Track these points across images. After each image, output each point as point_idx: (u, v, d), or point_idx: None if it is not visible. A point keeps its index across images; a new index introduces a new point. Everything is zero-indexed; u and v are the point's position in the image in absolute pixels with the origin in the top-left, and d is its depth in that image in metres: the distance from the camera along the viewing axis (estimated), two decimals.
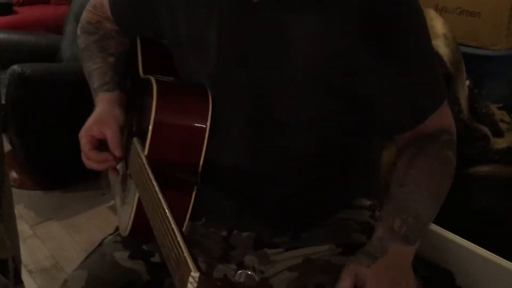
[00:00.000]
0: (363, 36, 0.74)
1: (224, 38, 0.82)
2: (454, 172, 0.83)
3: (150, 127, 0.81)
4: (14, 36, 2.34)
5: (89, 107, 0.96)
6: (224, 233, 0.92)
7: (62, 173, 2.22)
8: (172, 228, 0.63)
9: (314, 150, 0.85)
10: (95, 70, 0.97)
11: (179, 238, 0.60)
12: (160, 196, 0.69)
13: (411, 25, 0.77)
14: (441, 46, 1.61)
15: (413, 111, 0.81)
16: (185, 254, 0.57)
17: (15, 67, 1.91)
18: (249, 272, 0.87)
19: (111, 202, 1.97)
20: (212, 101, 0.83)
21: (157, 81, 0.84)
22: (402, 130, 0.84)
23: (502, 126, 1.77)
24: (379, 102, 0.80)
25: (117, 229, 0.97)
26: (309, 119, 0.82)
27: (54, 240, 1.98)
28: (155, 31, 0.95)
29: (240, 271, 0.87)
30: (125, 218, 0.88)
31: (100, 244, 0.95)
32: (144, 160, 0.79)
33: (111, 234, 0.97)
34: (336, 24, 0.75)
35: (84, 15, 1.05)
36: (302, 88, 0.79)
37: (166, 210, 0.66)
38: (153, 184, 0.72)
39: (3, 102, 1.95)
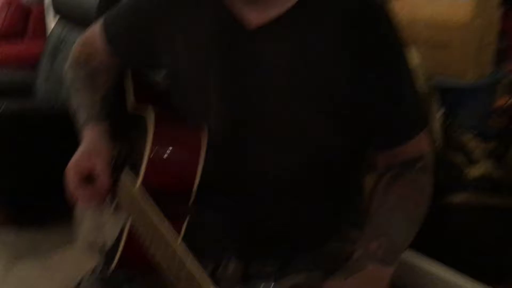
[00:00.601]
0: (358, 57, 0.79)
1: (225, 70, 0.85)
2: (430, 198, 0.85)
3: (146, 156, 0.81)
4: None
5: (62, 144, 0.95)
6: (211, 266, 0.91)
7: (36, 209, 2.17)
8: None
9: (302, 183, 0.87)
10: (83, 105, 0.98)
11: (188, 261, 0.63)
12: (164, 222, 0.71)
13: (406, 61, 0.84)
14: None
15: (402, 127, 0.85)
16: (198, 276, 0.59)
17: None
18: None
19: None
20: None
21: (155, 111, 0.85)
22: (389, 145, 0.86)
23: (477, 154, 1.80)
24: (370, 114, 0.83)
25: (95, 268, 0.95)
26: (300, 145, 0.84)
27: (28, 279, 1.92)
28: (151, 61, 0.96)
29: None
30: (111, 252, 0.87)
31: (78, 284, 0.94)
32: (140, 189, 0.79)
33: (89, 273, 0.95)
34: (332, 47, 0.80)
35: (74, 51, 1.06)
36: (303, 108, 0.82)
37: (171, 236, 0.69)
38: (152, 212, 0.74)
39: None
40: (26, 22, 3.05)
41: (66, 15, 2.32)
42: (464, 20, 2.03)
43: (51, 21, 2.71)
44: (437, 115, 1.77)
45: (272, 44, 0.82)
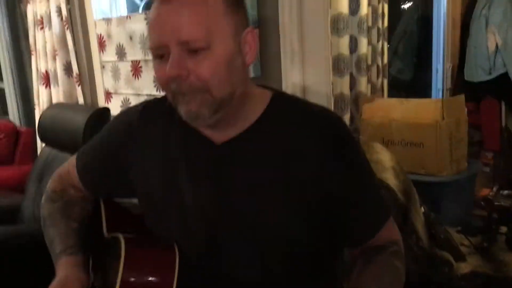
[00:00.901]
0: (329, 165, 0.87)
1: (198, 186, 0.89)
2: (404, 281, 0.89)
3: (117, 286, 0.81)
4: None
5: (48, 270, 0.95)
6: None
7: None
8: None
9: (277, 278, 0.90)
10: (58, 235, 0.99)
11: None
12: None
13: (362, 157, 0.94)
14: (391, 178, 1.69)
15: (369, 225, 0.92)
16: None
17: None
18: None
19: None
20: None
21: (125, 239, 0.87)
22: (359, 242, 0.93)
23: (463, 250, 1.80)
24: (345, 216, 0.90)
25: None
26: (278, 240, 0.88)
27: None
28: (125, 192, 1.01)
29: None
30: None
31: None
32: None
33: None
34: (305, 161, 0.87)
35: (50, 184, 1.10)
36: (285, 212, 0.87)
37: None
38: None
39: None
40: (16, 147, 3.13)
41: (52, 142, 2.40)
42: (433, 120, 2.14)
43: (41, 146, 2.80)
44: (420, 213, 1.79)
45: (238, 156, 0.89)
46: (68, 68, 2.69)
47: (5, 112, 3.77)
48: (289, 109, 0.91)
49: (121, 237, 0.88)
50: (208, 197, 0.89)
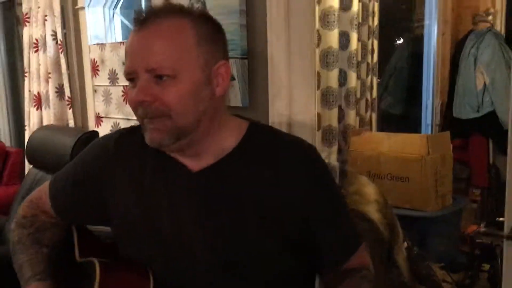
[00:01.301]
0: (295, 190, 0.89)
1: (173, 211, 0.90)
2: None
3: None
4: None
5: None
6: None
7: None
8: None
9: None
10: (27, 262, 0.98)
11: None
12: None
13: (333, 185, 0.97)
14: (373, 212, 1.70)
15: (342, 250, 0.95)
16: None
17: None
18: None
19: None
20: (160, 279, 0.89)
21: (100, 263, 0.88)
22: (331, 266, 0.95)
23: (445, 286, 1.79)
24: (318, 241, 0.93)
25: None
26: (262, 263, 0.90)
27: None
28: (98, 219, 1.01)
29: None
30: None
31: None
32: None
33: None
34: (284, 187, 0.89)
35: (20, 210, 1.08)
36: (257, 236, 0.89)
37: None
38: None
39: None
40: (4, 167, 3.12)
41: (39, 164, 2.40)
42: (419, 154, 2.16)
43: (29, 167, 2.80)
44: (403, 248, 1.79)
45: (214, 184, 0.90)
46: (60, 91, 2.71)
47: None
48: (263, 139, 0.94)
49: (95, 261, 0.88)
50: (185, 223, 0.90)
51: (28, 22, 2.81)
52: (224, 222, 0.89)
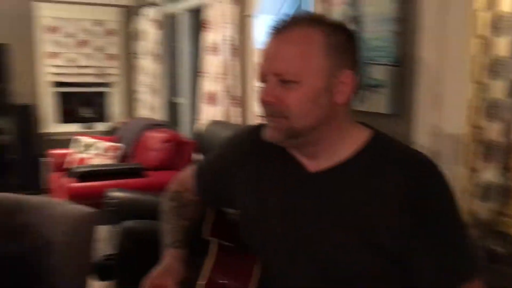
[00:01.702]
0: (408, 206, 0.88)
1: (286, 206, 0.99)
2: None
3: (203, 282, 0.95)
4: (137, 196, 2.72)
5: None
6: None
7: None
8: None
9: None
10: (170, 230, 1.16)
11: None
12: None
13: (448, 204, 0.92)
14: None
15: (446, 277, 0.90)
16: None
17: (129, 223, 2.21)
18: None
19: None
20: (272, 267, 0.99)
21: (219, 245, 1.02)
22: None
23: None
24: (416, 260, 0.90)
25: None
26: (357, 275, 0.93)
27: None
28: (227, 202, 1.15)
29: None
30: None
31: None
32: None
33: None
34: (384, 195, 0.90)
35: (171, 186, 1.28)
36: (354, 246, 0.91)
37: None
38: None
39: (113, 252, 2.21)
40: (181, 155, 3.53)
41: (204, 153, 2.70)
42: None
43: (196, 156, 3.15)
44: None
45: (328, 187, 0.95)
46: (229, 91, 3.00)
47: (176, 124, 4.30)
48: (383, 150, 0.95)
49: (216, 242, 1.01)
50: (294, 219, 0.97)
51: (209, 27, 3.16)
52: (326, 227, 0.94)
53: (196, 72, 3.71)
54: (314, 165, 0.98)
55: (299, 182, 0.99)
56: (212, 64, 3.15)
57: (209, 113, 3.18)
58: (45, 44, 4.70)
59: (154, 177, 3.36)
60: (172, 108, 4.50)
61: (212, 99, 3.18)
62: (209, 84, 3.20)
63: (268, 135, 0.96)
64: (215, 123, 2.97)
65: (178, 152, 3.50)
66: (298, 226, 0.97)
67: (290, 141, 0.95)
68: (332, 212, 0.94)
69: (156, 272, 1.05)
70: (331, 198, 0.94)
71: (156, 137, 3.59)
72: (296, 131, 0.93)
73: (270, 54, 0.93)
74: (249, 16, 2.81)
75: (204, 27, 3.23)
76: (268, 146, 1.03)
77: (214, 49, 3.12)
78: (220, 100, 3.06)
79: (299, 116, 0.91)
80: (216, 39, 3.07)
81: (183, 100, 4.23)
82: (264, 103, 0.94)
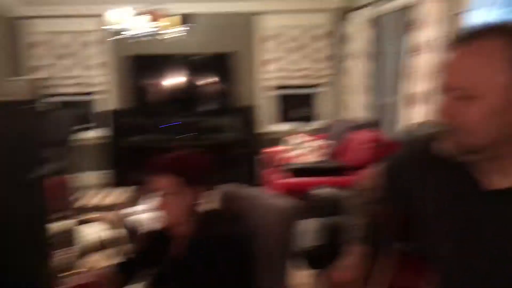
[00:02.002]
0: None
1: (459, 223, 0.97)
2: None
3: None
4: (335, 192, 2.85)
5: None
6: None
7: None
8: None
9: None
10: (357, 225, 1.21)
11: None
12: None
13: None
14: None
15: None
16: None
17: (325, 220, 2.36)
18: None
19: None
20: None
21: (401, 251, 1.07)
22: None
23: None
24: None
25: None
26: None
27: None
28: (408, 209, 1.14)
29: None
30: None
31: None
32: None
33: None
34: None
35: (361, 182, 1.30)
36: None
37: None
38: None
39: (319, 243, 2.39)
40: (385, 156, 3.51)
41: None
42: None
43: None
44: None
45: (499, 208, 0.89)
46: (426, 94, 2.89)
47: (381, 124, 4.28)
48: None
49: (398, 248, 1.05)
50: (465, 238, 0.94)
51: (417, 26, 3.09)
52: (493, 249, 0.89)
53: (402, 72, 3.65)
54: (489, 182, 0.92)
55: (470, 199, 0.94)
56: (420, 64, 3.08)
57: (416, 114, 3.12)
58: (264, 51, 5.18)
59: (358, 176, 3.44)
60: (378, 108, 4.51)
61: (418, 99, 3.11)
62: (417, 85, 3.13)
63: (442, 148, 0.94)
64: (421, 124, 2.89)
65: (382, 152, 3.51)
66: (469, 247, 0.93)
67: (468, 156, 0.91)
68: (500, 235, 0.89)
69: (338, 264, 1.12)
70: (501, 221, 0.89)
71: (361, 137, 3.68)
72: (471, 147, 0.89)
73: (447, 67, 0.90)
74: (458, 13, 2.67)
75: (412, 26, 3.17)
76: (441, 160, 0.99)
77: (424, 48, 3.04)
78: (427, 101, 2.97)
79: (475, 133, 0.87)
80: (427, 38, 2.99)
81: (389, 101, 4.20)
82: (441, 119, 0.91)
